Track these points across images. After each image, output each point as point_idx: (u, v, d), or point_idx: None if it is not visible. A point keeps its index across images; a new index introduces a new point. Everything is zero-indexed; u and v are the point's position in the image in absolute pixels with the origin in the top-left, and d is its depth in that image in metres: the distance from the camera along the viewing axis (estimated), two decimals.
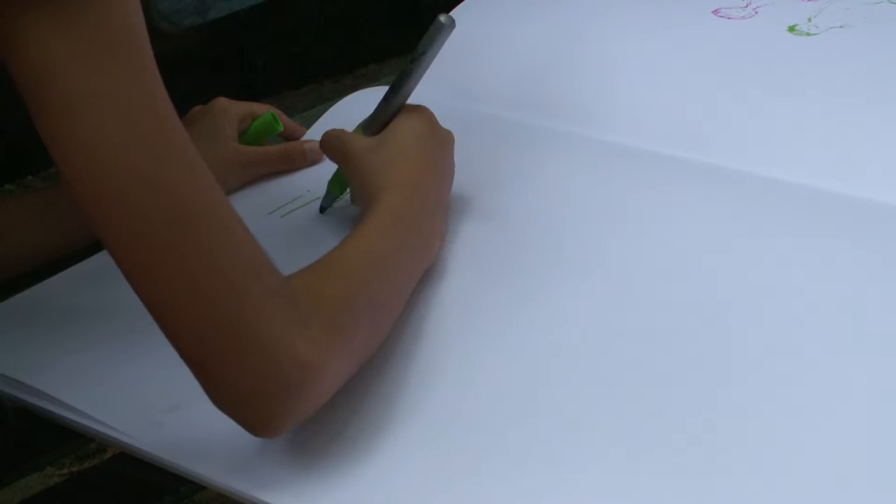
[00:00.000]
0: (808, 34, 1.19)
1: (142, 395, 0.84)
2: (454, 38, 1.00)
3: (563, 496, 0.81)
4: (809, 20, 1.21)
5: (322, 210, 1.09)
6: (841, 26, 1.19)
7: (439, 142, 1.02)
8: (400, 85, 1.02)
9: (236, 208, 1.09)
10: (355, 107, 1.23)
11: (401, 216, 0.94)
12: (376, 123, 1.02)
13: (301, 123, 1.20)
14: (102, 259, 1.02)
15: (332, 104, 1.24)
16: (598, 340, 0.92)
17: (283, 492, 0.82)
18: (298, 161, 1.15)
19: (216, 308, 0.76)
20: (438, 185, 1.00)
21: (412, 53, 1.01)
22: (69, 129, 0.74)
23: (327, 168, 1.12)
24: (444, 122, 1.04)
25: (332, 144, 1.04)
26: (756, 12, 1.23)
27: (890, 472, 0.80)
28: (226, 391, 0.78)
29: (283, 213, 1.10)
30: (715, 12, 1.24)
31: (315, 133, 1.19)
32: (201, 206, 0.77)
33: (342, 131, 1.04)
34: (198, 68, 1.28)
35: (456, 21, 1.00)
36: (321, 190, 1.11)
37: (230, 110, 1.13)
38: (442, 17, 1.00)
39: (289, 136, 1.18)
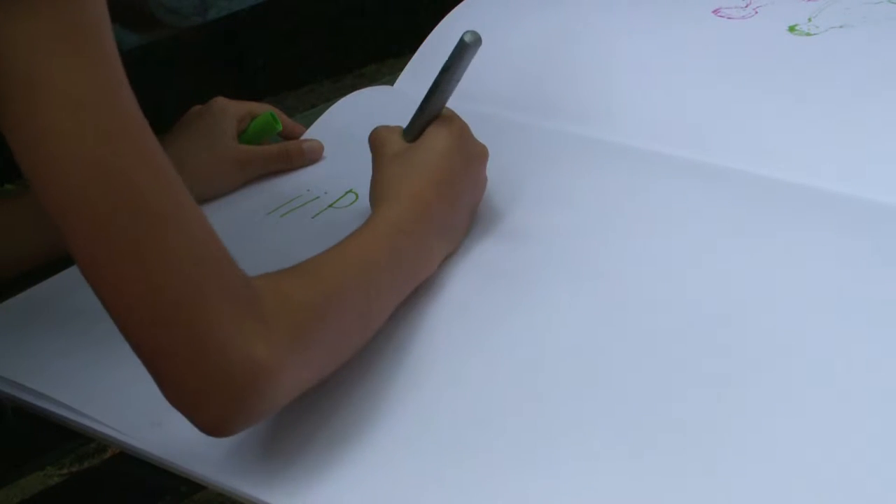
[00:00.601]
0: (808, 34, 1.19)
1: (141, 395, 0.84)
2: (453, 37, 1.00)
3: (564, 497, 0.81)
4: (809, 20, 1.21)
5: None
6: (841, 26, 1.19)
7: (465, 158, 1.00)
8: (429, 96, 1.00)
9: (236, 208, 1.10)
10: (355, 107, 1.23)
11: (400, 229, 0.93)
12: (412, 130, 1.01)
13: (301, 123, 1.20)
14: None
15: (332, 104, 1.24)
16: (598, 340, 0.92)
17: (282, 491, 0.82)
18: (297, 160, 1.15)
19: (171, 307, 0.75)
20: (450, 202, 0.99)
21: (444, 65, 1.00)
22: (29, 118, 0.73)
23: (326, 167, 1.12)
24: None
25: (373, 143, 1.02)
26: (756, 12, 1.23)
27: (890, 472, 0.80)
28: (178, 390, 0.77)
29: (282, 213, 1.10)
30: (715, 12, 1.24)
31: (314, 132, 1.19)
32: (161, 204, 0.75)
33: (389, 131, 1.02)
34: (198, 68, 1.28)
35: (456, 20, 0.99)
36: (321, 190, 1.10)
37: (229, 110, 1.13)
38: (466, 36, 0.97)
39: (288, 136, 1.18)
